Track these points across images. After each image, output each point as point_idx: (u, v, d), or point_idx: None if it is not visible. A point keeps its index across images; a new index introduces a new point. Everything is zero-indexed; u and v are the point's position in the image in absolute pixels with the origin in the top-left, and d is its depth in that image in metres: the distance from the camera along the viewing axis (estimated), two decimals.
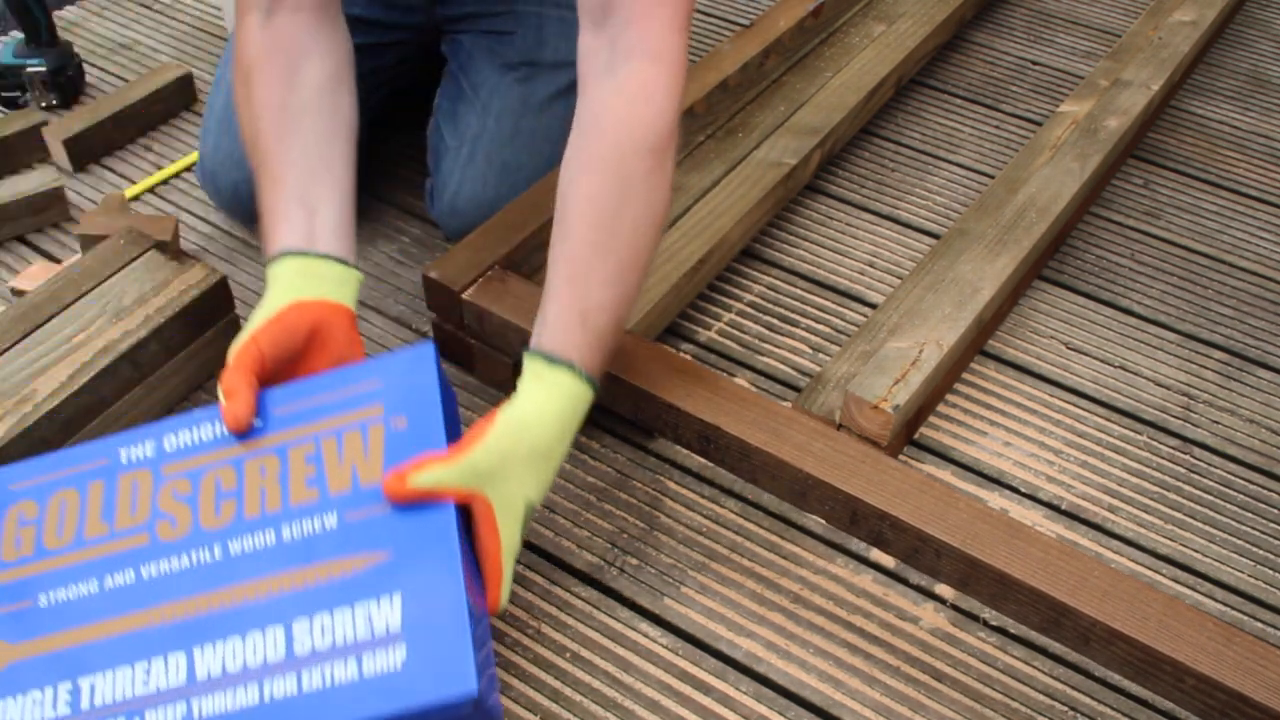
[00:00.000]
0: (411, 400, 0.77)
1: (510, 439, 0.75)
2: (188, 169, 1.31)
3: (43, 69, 1.35)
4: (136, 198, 1.27)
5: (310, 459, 0.76)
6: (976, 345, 1.10)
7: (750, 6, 1.66)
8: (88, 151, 1.30)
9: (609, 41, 0.79)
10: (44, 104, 1.38)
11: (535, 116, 1.15)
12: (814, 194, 1.31)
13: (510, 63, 1.16)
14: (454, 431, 0.79)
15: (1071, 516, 0.98)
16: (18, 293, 1.12)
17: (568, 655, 0.86)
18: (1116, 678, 0.86)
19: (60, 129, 1.28)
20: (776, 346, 1.12)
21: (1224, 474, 1.02)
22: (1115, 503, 0.99)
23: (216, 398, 1.04)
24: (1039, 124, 1.42)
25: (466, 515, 0.74)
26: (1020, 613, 0.81)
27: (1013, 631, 0.89)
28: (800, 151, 1.22)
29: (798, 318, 1.15)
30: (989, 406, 1.07)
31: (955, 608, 0.90)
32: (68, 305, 0.98)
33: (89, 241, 1.09)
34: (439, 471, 0.72)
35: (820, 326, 1.14)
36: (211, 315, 1.03)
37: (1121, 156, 1.33)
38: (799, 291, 1.18)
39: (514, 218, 1.06)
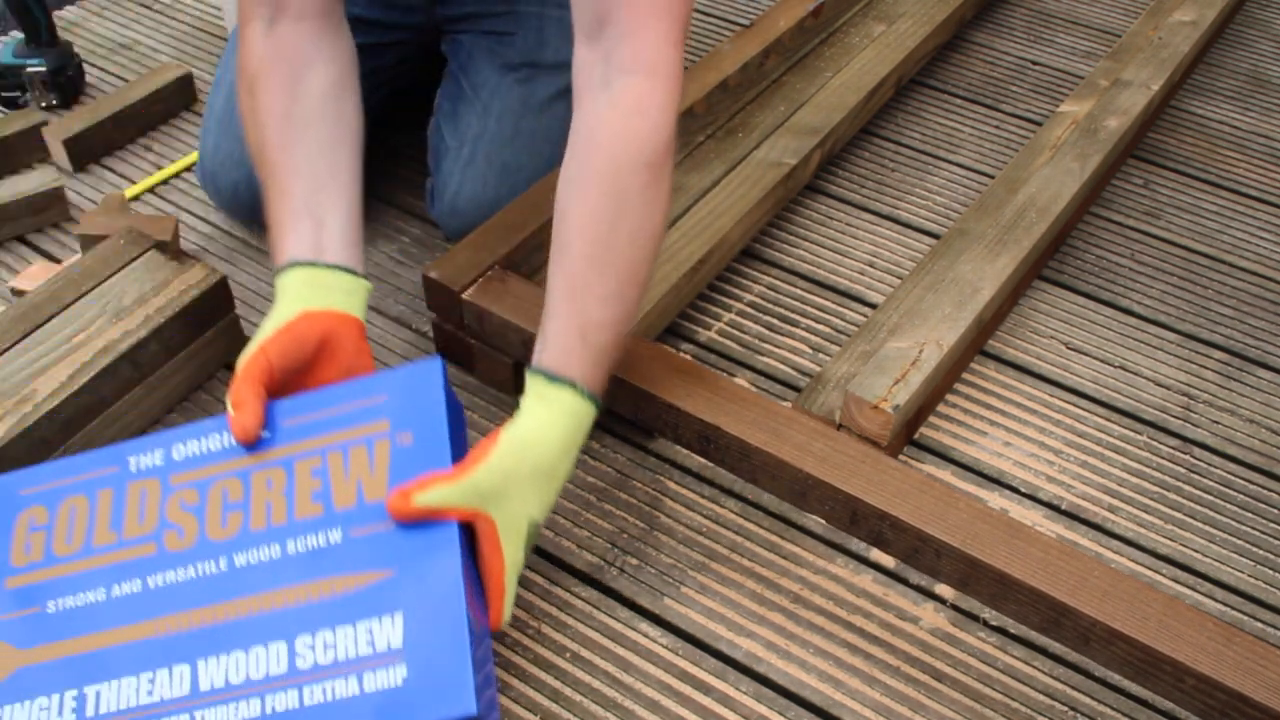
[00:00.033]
0: (418, 416, 0.77)
1: (513, 458, 0.75)
2: (188, 169, 1.31)
3: (43, 69, 1.35)
4: (136, 198, 1.27)
5: (316, 473, 0.77)
6: (976, 345, 1.10)
7: (750, 6, 1.66)
8: (88, 151, 1.30)
9: (604, 55, 0.79)
10: (44, 104, 1.38)
11: (536, 117, 1.15)
12: (814, 194, 1.31)
13: (511, 63, 1.16)
14: (460, 448, 0.79)
15: (1071, 516, 0.98)
16: (18, 293, 1.12)
17: (568, 655, 0.86)
18: (1116, 678, 0.86)
19: (60, 129, 1.28)
20: (776, 346, 1.12)
21: (1224, 474, 1.02)
22: (1115, 503, 0.99)
23: (215, 398, 1.05)
24: (1039, 124, 1.42)
25: (470, 533, 0.75)
26: (1020, 613, 0.81)
27: (1013, 631, 0.89)
28: (800, 151, 1.22)
29: (798, 318, 1.15)
30: (989, 406, 1.07)
31: (955, 608, 0.90)
32: (68, 305, 0.98)
33: (89, 241, 1.09)
34: (443, 490, 0.73)
35: (820, 326, 1.14)
36: (211, 315, 1.03)
37: (1121, 156, 1.33)
38: (799, 291, 1.18)
39: (514, 218, 1.06)
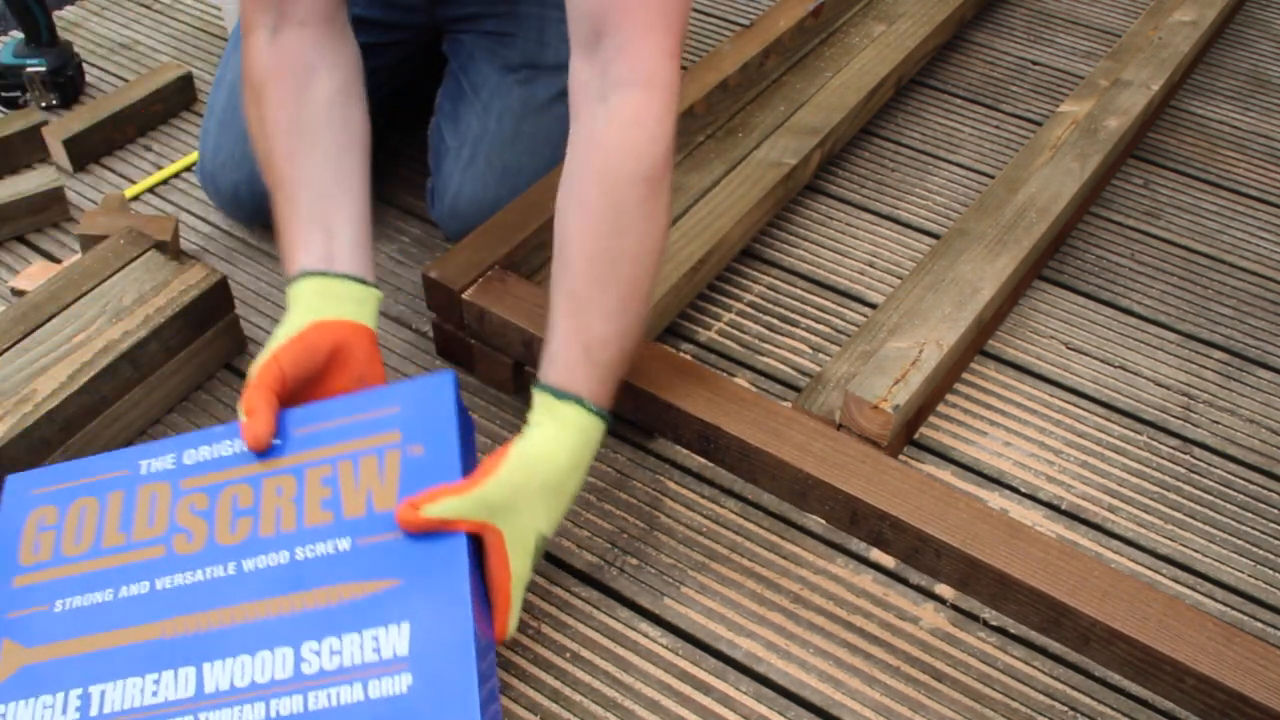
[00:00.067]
0: (429, 428, 0.78)
1: (522, 472, 0.75)
2: (188, 169, 1.31)
3: (43, 69, 1.36)
4: (136, 198, 1.27)
5: (326, 481, 0.77)
6: (976, 345, 1.10)
7: (750, 6, 1.66)
8: (88, 151, 1.30)
9: (600, 69, 0.79)
10: (44, 104, 1.38)
11: (536, 118, 1.15)
12: (814, 194, 1.31)
13: (511, 64, 1.16)
14: (470, 461, 0.79)
15: (1071, 516, 0.98)
16: (18, 293, 1.12)
17: (568, 655, 0.86)
18: (1116, 678, 0.86)
19: (60, 129, 1.28)
20: (776, 346, 1.12)
21: (1224, 474, 1.02)
22: (1115, 503, 0.99)
23: (215, 398, 1.05)
24: (1039, 124, 1.42)
25: (478, 545, 0.75)
26: (1020, 613, 0.81)
27: (1013, 631, 0.89)
28: (800, 151, 1.22)
29: (798, 318, 1.15)
30: (989, 406, 1.07)
31: (955, 608, 0.90)
32: (68, 305, 0.98)
33: (89, 241, 1.09)
34: (452, 503, 0.73)
35: (820, 326, 1.14)
36: (211, 315, 1.03)
37: (1121, 156, 1.33)
38: (799, 291, 1.18)
39: (514, 218, 1.06)
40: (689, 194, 1.16)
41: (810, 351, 1.12)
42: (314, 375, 0.83)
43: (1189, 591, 0.93)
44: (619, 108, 0.78)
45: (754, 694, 0.84)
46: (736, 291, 1.18)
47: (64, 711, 0.71)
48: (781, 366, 1.10)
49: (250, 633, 0.73)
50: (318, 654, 0.71)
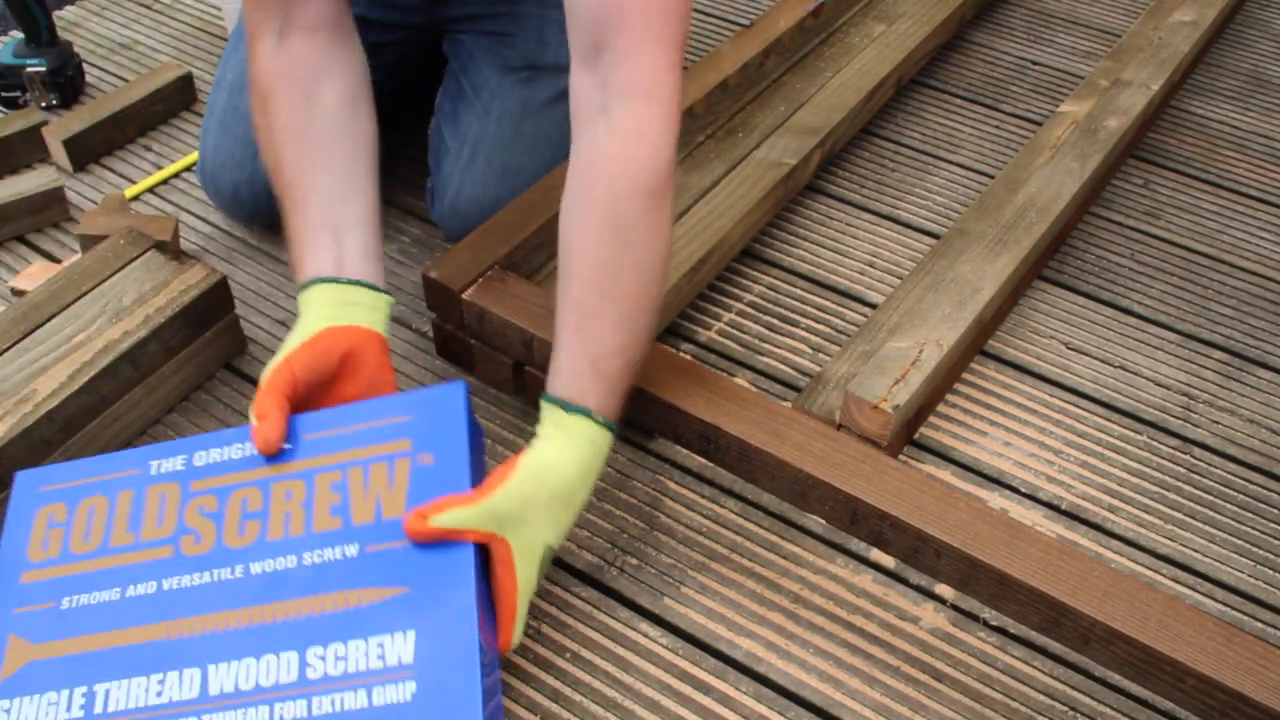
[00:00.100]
0: (439, 438, 0.78)
1: (531, 484, 0.76)
2: (188, 169, 1.31)
3: (43, 69, 1.36)
4: (136, 198, 1.27)
5: (336, 487, 0.78)
6: (976, 345, 1.10)
7: (750, 6, 1.66)
8: (88, 151, 1.30)
9: (601, 81, 0.79)
10: (44, 104, 1.38)
11: (536, 118, 1.15)
12: (814, 194, 1.31)
13: (512, 65, 1.16)
14: (479, 471, 0.80)
15: (1071, 516, 0.98)
16: (18, 293, 1.12)
17: (568, 655, 0.86)
18: (1116, 678, 0.86)
19: (60, 129, 1.28)
20: (776, 346, 1.12)
21: (1224, 474, 1.02)
22: (1115, 503, 0.99)
23: (215, 398, 1.05)
24: (1039, 124, 1.42)
25: (485, 555, 0.75)
26: (1020, 613, 0.81)
27: (1013, 631, 0.89)
28: (800, 151, 1.22)
29: (798, 318, 1.15)
30: (989, 406, 1.07)
31: (955, 608, 0.90)
32: (68, 305, 0.98)
33: (89, 241, 1.09)
34: (460, 513, 0.73)
35: (820, 326, 1.14)
36: (211, 315, 1.03)
37: (1121, 156, 1.33)
38: (799, 291, 1.18)
39: (514, 218, 1.06)
40: (689, 194, 1.16)
41: (810, 351, 1.12)
42: (325, 380, 0.83)
43: (1189, 591, 0.93)
44: (620, 120, 0.78)
45: (754, 694, 0.84)
46: (736, 291, 1.18)
47: (68, 709, 0.72)
48: (781, 366, 1.10)
49: (256, 636, 0.73)
50: (323, 659, 0.71)
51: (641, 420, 0.96)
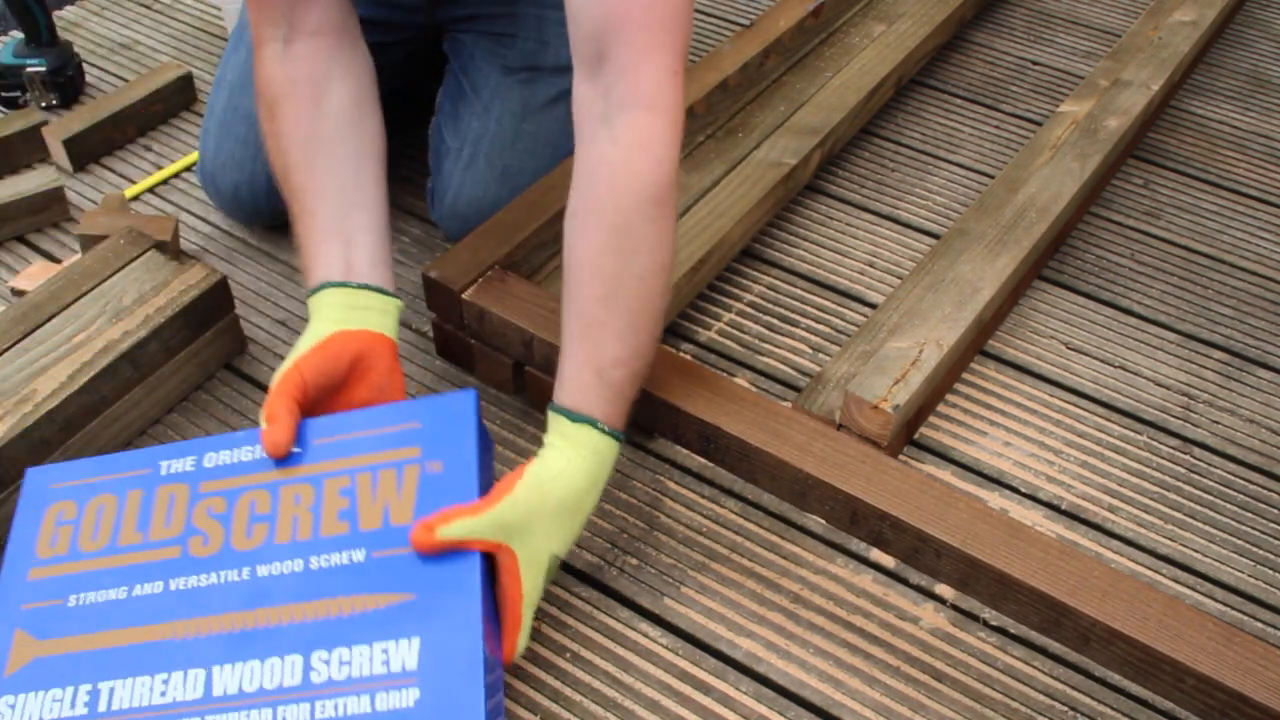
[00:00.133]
0: (449, 446, 0.78)
1: (537, 494, 0.76)
2: (188, 169, 1.31)
3: (43, 69, 1.36)
4: (136, 198, 1.27)
5: (344, 492, 0.78)
6: (976, 345, 1.10)
7: (750, 6, 1.66)
8: (88, 151, 1.30)
9: (604, 91, 0.79)
10: (44, 104, 1.38)
11: (536, 119, 1.15)
12: (814, 194, 1.31)
13: (512, 66, 1.15)
14: (487, 479, 0.80)
15: (1071, 516, 0.98)
16: (18, 293, 1.12)
17: (568, 655, 0.86)
18: (1116, 678, 0.86)
19: (60, 129, 1.28)
20: (776, 346, 1.12)
21: (1224, 474, 1.02)
22: (1115, 503, 0.99)
23: (215, 398, 1.05)
24: (1039, 124, 1.42)
25: (491, 563, 0.75)
26: (1020, 613, 0.81)
27: (1013, 631, 0.89)
28: (800, 151, 1.22)
29: (798, 318, 1.15)
30: (989, 406, 1.07)
31: (955, 608, 0.90)
32: (68, 305, 0.98)
33: (89, 241, 1.09)
34: (466, 523, 0.73)
35: (820, 326, 1.14)
36: (211, 315, 1.03)
37: (1121, 156, 1.33)
38: (799, 291, 1.18)
39: (514, 218, 1.06)
40: (689, 194, 1.16)
41: (810, 351, 1.12)
42: (335, 384, 0.83)
43: (1189, 591, 0.93)
44: (623, 131, 0.78)
45: (754, 694, 0.84)
46: (736, 291, 1.18)
47: (72, 705, 0.72)
48: (781, 366, 1.10)
49: (261, 638, 0.73)
50: (327, 663, 0.71)
51: (641, 420, 0.96)
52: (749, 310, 1.16)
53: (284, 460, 0.80)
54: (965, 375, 1.10)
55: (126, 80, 1.44)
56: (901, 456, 1.02)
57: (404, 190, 1.29)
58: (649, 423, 0.95)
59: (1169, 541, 0.97)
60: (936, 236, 1.25)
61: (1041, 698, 0.85)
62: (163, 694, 0.72)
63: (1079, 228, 1.28)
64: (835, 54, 1.38)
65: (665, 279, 0.81)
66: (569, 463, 0.78)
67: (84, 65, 1.43)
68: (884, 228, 1.27)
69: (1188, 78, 1.51)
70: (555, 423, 0.80)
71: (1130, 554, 0.95)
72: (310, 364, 0.81)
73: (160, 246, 1.05)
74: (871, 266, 1.22)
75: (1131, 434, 1.05)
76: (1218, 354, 1.14)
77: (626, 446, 1.01)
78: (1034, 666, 0.87)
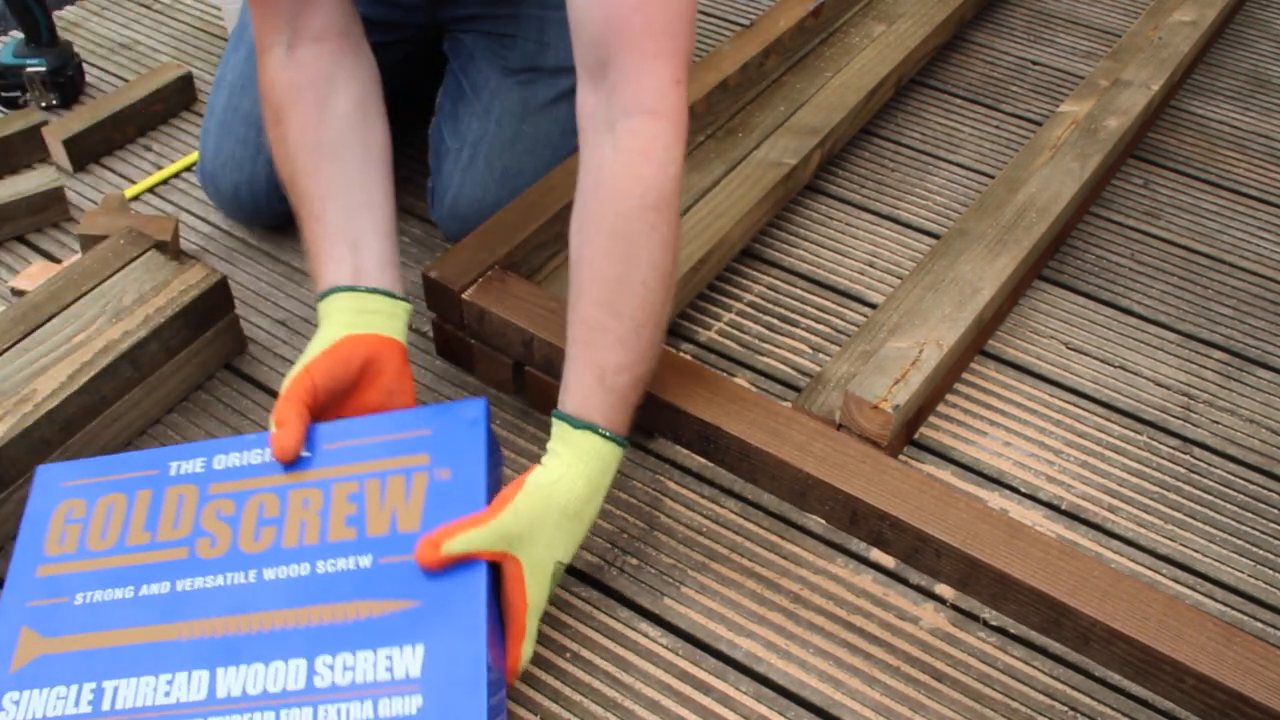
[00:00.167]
0: (458, 454, 0.79)
1: (539, 502, 0.76)
2: (188, 169, 1.31)
3: (43, 69, 1.36)
4: (136, 198, 1.27)
5: (353, 498, 0.78)
6: (976, 345, 1.10)
7: (750, 6, 1.66)
8: (88, 151, 1.30)
9: (607, 98, 0.79)
10: (44, 104, 1.38)
11: (536, 119, 1.15)
12: (814, 194, 1.31)
13: (512, 66, 1.15)
14: (495, 489, 0.80)
15: (1071, 516, 0.98)
16: (18, 293, 1.12)
17: (568, 655, 0.86)
18: (1116, 678, 0.86)
19: (60, 129, 1.28)
20: (776, 346, 1.12)
21: (1224, 474, 1.02)
22: (1115, 503, 0.99)
23: (215, 398, 1.05)
24: (1039, 124, 1.42)
25: (496, 572, 0.75)
26: (1020, 613, 0.81)
27: (1013, 631, 0.89)
28: (800, 151, 1.22)
29: (798, 318, 1.15)
30: (989, 406, 1.07)
31: (955, 608, 0.90)
32: (68, 305, 0.98)
33: (89, 241, 1.09)
34: (470, 536, 0.73)
35: (820, 326, 1.14)
36: (211, 315, 1.03)
37: (1121, 156, 1.33)
38: (799, 291, 1.18)
39: (514, 218, 1.06)
40: (689, 194, 1.16)
41: (810, 351, 1.12)
42: (345, 388, 0.84)
43: (1189, 591, 0.93)
44: (626, 138, 0.78)
45: (754, 694, 0.84)
46: (736, 291, 1.18)
47: (76, 703, 0.72)
48: (781, 366, 1.10)
49: (265, 641, 0.73)
50: (331, 668, 0.71)
51: (641, 420, 0.96)
52: (749, 310, 1.16)
53: (293, 464, 0.80)
54: (965, 375, 1.10)
55: (126, 80, 1.44)
56: (901, 456, 1.02)
57: (404, 190, 1.29)
58: (649, 423, 0.95)
59: (1169, 541, 0.97)
60: (936, 236, 1.25)
61: (1041, 698, 0.85)
62: (166, 694, 0.72)
63: (1079, 228, 1.28)
64: (835, 54, 1.38)
65: (668, 284, 0.81)
66: (570, 469, 0.78)
67: (84, 65, 1.43)
68: (884, 228, 1.27)
69: (1188, 78, 1.51)
70: (558, 429, 0.80)
71: (1130, 554, 0.95)
72: (320, 368, 0.82)
73: (160, 246, 1.05)
74: (871, 266, 1.22)
75: (1131, 434, 1.05)
76: (1218, 354, 1.14)
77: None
78: (1034, 666, 0.87)
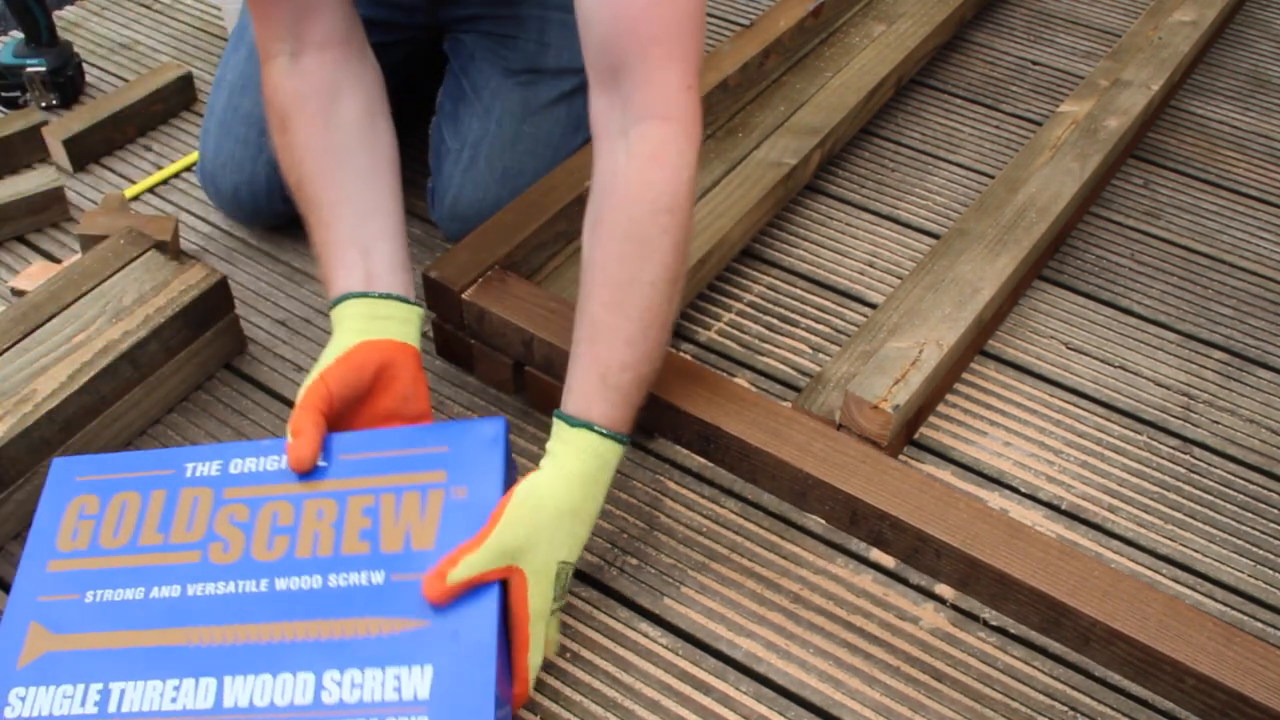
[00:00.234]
0: (475, 473, 0.79)
1: (530, 508, 0.76)
2: (188, 169, 1.31)
3: (43, 69, 1.36)
4: (136, 198, 1.27)
5: (367, 511, 0.78)
6: (976, 345, 1.10)
7: (750, 6, 1.66)
8: (88, 151, 1.30)
9: (620, 103, 0.79)
10: (44, 104, 1.38)
11: (536, 120, 1.15)
12: (814, 194, 1.31)
13: (513, 67, 1.15)
14: None
15: (1071, 516, 0.98)
16: (18, 293, 1.12)
17: (568, 655, 0.86)
18: (1116, 678, 0.86)
19: (60, 129, 1.28)
20: (776, 346, 1.12)
21: (1224, 474, 1.02)
22: (1115, 503, 0.99)
23: (215, 398, 1.05)
24: (1039, 124, 1.42)
25: (504, 586, 0.75)
26: (1020, 613, 0.81)
27: (1013, 631, 0.89)
28: (800, 151, 1.22)
29: (798, 318, 1.15)
30: (989, 406, 1.07)
31: (955, 608, 0.90)
32: (68, 305, 0.98)
33: (89, 241, 1.09)
34: (470, 560, 0.73)
35: (820, 326, 1.14)
36: (211, 315, 1.03)
37: (1121, 156, 1.33)
38: (799, 291, 1.18)
39: (514, 218, 1.06)
40: None
41: (810, 351, 1.12)
42: (360, 395, 0.84)
43: (1189, 591, 0.93)
44: (639, 142, 0.79)
45: (754, 694, 0.84)
46: (736, 291, 1.18)
47: (83, 704, 0.72)
48: (781, 366, 1.10)
49: (275, 653, 0.73)
50: (339, 684, 0.71)
51: (642, 420, 0.96)
52: (749, 310, 1.16)
53: (309, 473, 0.80)
54: (965, 375, 1.10)
55: (126, 80, 1.44)
56: (901, 456, 1.02)
57: (404, 190, 1.28)
58: (649, 423, 0.95)
59: (1169, 541, 0.97)
60: (936, 236, 1.25)
61: (1041, 698, 0.85)
62: (174, 700, 0.71)
63: (1079, 228, 1.28)
64: (835, 54, 1.38)
65: (676, 287, 0.81)
66: (560, 468, 0.78)
67: (84, 65, 1.43)
68: (884, 228, 1.27)
69: (1188, 78, 1.51)
70: (556, 427, 0.80)
71: (1130, 554, 0.95)
72: (335, 376, 0.82)
73: (160, 246, 1.05)
74: (871, 266, 1.22)
75: (1131, 434, 1.05)
76: (1218, 354, 1.14)
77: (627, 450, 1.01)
78: (1034, 666, 0.87)
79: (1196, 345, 1.15)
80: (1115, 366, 1.12)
